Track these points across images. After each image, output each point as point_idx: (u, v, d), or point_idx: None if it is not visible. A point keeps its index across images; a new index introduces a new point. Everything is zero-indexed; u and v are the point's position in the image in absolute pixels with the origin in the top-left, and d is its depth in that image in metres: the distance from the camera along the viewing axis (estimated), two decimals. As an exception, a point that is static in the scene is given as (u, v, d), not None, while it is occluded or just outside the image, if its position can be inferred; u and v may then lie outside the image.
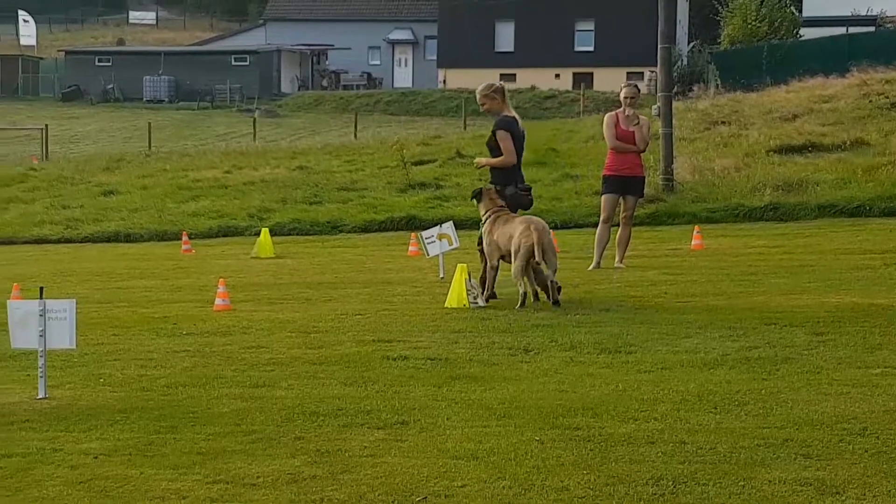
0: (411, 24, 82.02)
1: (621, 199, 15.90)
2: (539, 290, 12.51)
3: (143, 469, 6.59)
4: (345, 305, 13.05)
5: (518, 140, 12.88)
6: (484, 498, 5.93)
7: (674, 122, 25.30)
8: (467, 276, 12.53)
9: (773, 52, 46.06)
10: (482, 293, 12.65)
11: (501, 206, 12.74)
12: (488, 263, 12.74)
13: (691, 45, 67.81)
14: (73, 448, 7.07)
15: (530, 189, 13.17)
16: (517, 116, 13.07)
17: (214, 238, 25.13)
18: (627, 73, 63.21)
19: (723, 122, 31.69)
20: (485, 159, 13.31)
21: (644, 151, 16.04)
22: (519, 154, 12.92)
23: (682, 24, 70.92)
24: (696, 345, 9.89)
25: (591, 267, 15.74)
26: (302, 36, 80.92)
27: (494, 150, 12.97)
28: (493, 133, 12.96)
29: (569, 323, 11.18)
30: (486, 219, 12.73)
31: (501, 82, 13.40)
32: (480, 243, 12.96)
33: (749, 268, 15.42)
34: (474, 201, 13.16)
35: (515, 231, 12.32)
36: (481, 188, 13.07)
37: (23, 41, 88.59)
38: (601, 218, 15.94)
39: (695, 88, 44.98)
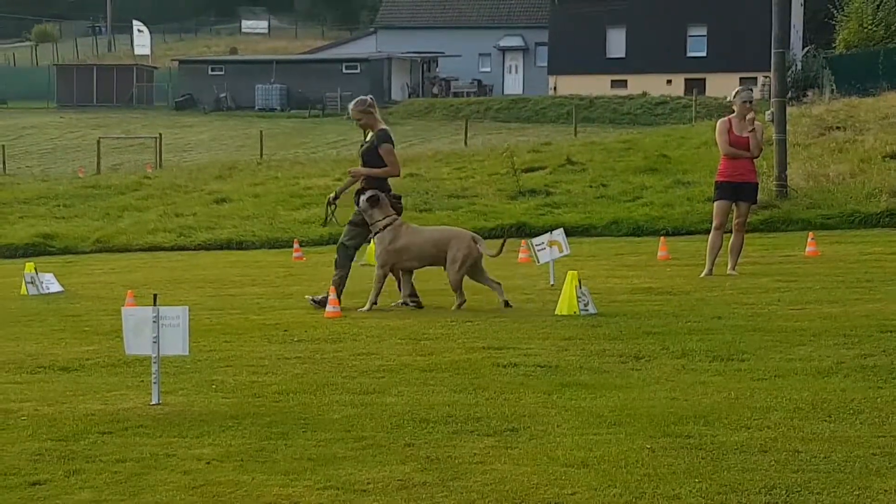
0: (522, 30, 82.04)
1: (734, 206, 15.73)
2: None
3: (255, 475, 6.63)
4: (455, 313, 13.06)
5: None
6: (594, 506, 5.88)
7: (788, 127, 24.98)
8: (578, 284, 12.47)
9: (889, 56, 45.26)
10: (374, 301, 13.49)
11: (395, 215, 13.38)
12: (379, 270, 13.50)
13: (806, 49, 66.79)
14: (186, 453, 7.14)
15: (401, 198, 14.09)
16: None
17: (325, 245, 25.26)
18: (740, 78, 62.46)
19: (838, 128, 31.20)
20: (364, 169, 13.90)
21: (757, 157, 15.86)
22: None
23: (796, 29, 70.09)
24: (810, 352, 9.74)
25: (703, 274, 15.59)
26: (412, 43, 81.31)
27: (374, 160, 13.75)
28: (377, 146, 13.70)
29: (680, 330, 11.07)
30: (385, 226, 13.41)
31: (371, 96, 14.20)
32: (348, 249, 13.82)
33: (865, 274, 15.16)
34: (364, 206, 13.53)
35: (451, 241, 13.29)
36: (377, 194, 13.37)
37: (137, 51, 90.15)
38: (714, 224, 15.78)
39: (809, 93, 44.37)
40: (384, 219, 13.42)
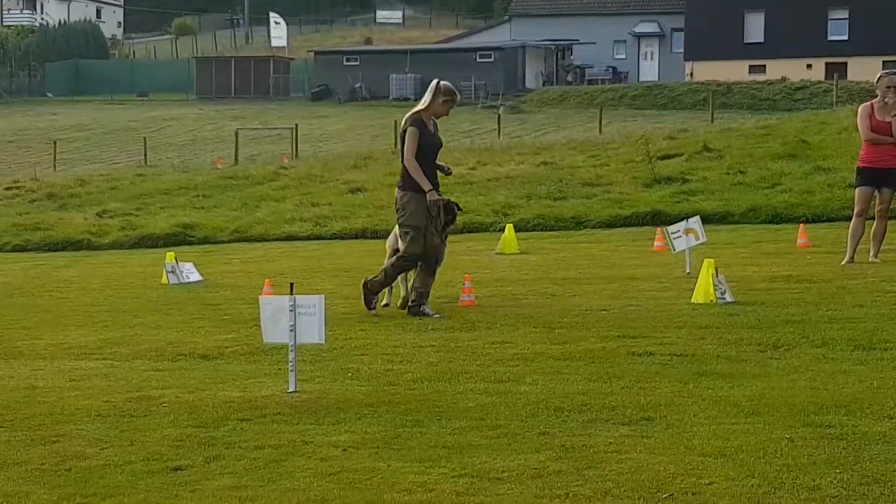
0: (657, 16, 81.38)
1: (876, 192, 15.41)
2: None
3: (390, 462, 6.67)
4: (589, 301, 12.99)
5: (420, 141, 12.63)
6: (732, 496, 5.80)
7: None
8: (714, 272, 12.32)
9: None
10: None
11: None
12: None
13: (953, 30, 65.33)
14: (323, 441, 7.21)
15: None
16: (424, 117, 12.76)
17: (459, 234, 25.30)
18: (884, 61, 61.23)
19: None
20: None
21: (902, 143, 15.49)
22: (424, 155, 12.67)
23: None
24: (956, 342, 9.52)
25: (843, 261, 15.30)
26: (546, 31, 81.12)
27: None
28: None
29: (821, 319, 10.88)
30: None
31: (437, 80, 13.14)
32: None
33: None
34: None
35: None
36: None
37: (274, 43, 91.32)
38: (855, 211, 15.48)
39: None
40: None
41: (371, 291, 12.82)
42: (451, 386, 8.70)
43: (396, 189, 12.87)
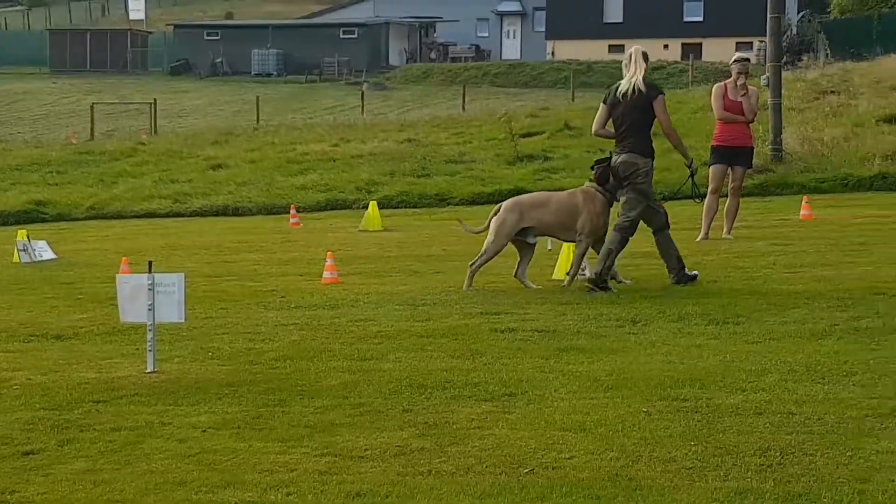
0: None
1: (729, 170, 15.76)
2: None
3: (252, 442, 6.64)
4: (453, 278, 13.04)
5: (612, 109, 12.04)
6: (592, 469, 5.89)
7: (783, 92, 24.91)
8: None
9: (883, 20, 45.20)
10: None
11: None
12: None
13: (801, 14, 66.63)
14: (182, 421, 7.15)
15: (605, 161, 12.14)
16: (633, 80, 11.90)
17: (322, 211, 25.27)
18: (737, 43, 62.31)
19: (832, 92, 31.16)
20: None
21: (753, 122, 15.87)
22: (617, 124, 12.07)
23: (792, -7, 69.83)
24: (804, 315, 9.77)
25: (698, 238, 15.60)
26: (410, 8, 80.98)
27: None
28: None
29: (677, 294, 11.09)
30: None
31: (637, 47, 12.20)
32: None
33: (858, 238, 15.17)
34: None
35: None
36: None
37: (132, 16, 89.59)
38: (709, 188, 15.80)
39: (804, 58, 44.27)
40: None
41: (602, 279, 11.62)
42: (314, 364, 8.68)
43: (635, 156, 11.86)
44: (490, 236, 12.06)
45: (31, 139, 44.87)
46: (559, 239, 12.42)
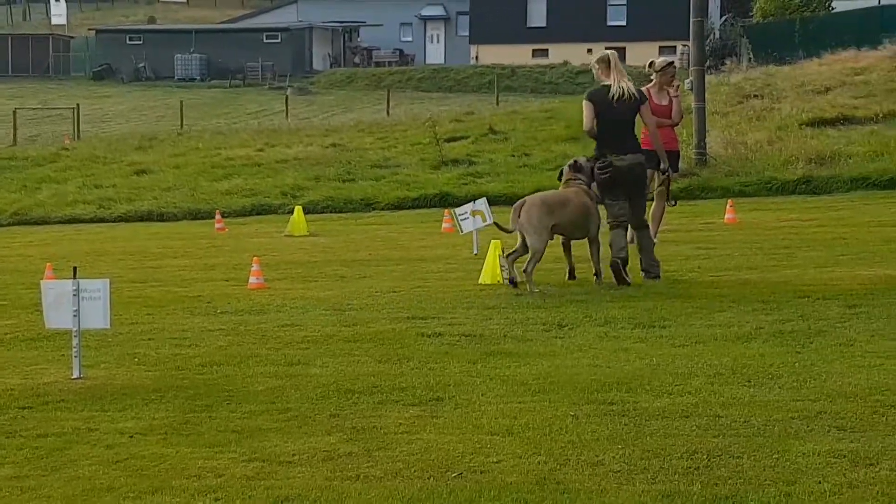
0: (443, 0, 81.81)
1: (655, 174, 15.84)
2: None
3: (179, 448, 6.61)
4: (379, 283, 13.05)
5: (605, 111, 12.16)
6: (519, 473, 5.92)
7: (706, 95, 25.17)
8: (501, 253, 12.51)
9: (805, 25, 45.78)
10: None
11: (576, 181, 12.39)
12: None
13: (724, 18, 67.38)
14: (109, 427, 7.10)
15: (607, 165, 12.20)
16: (624, 85, 12.21)
17: (248, 216, 25.17)
18: (660, 47, 62.94)
19: (755, 96, 31.49)
20: None
21: (678, 125, 15.96)
22: (608, 126, 12.18)
23: (714, -3, 70.51)
24: (729, 318, 9.87)
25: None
26: (333, 13, 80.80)
27: None
28: None
29: (603, 298, 11.16)
30: None
31: (611, 52, 12.63)
32: None
33: (782, 241, 15.35)
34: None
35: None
36: (563, 167, 12.66)
37: (54, 20, 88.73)
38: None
39: (727, 62, 44.71)
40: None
41: (623, 272, 12.05)
42: (241, 370, 8.66)
43: (640, 156, 12.33)
44: (532, 237, 11.95)
45: (-48, 144, 44.26)
46: (574, 238, 12.45)
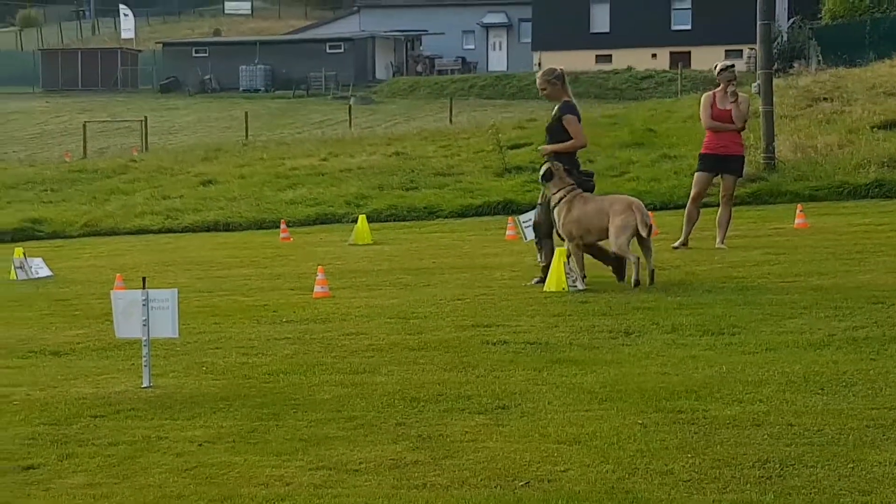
0: (505, 7, 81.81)
1: (721, 179, 15.74)
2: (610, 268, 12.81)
3: (247, 456, 6.63)
4: (443, 291, 13.04)
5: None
6: (587, 482, 5.88)
7: (774, 99, 24.91)
8: (566, 260, 12.46)
9: (876, 26, 45.16)
10: (580, 275, 12.61)
11: (573, 185, 12.81)
12: (569, 243, 12.75)
13: (791, 20, 66.71)
14: (178, 436, 7.14)
15: (592, 175, 13.28)
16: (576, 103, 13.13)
17: (312, 226, 25.23)
18: (726, 50, 62.47)
19: (825, 99, 31.10)
20: (550, 146, 13.18)
21: (742, 129, 15.81)
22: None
23: (781, 0, 69.92)
24: (801, 325, 9.74)
25: (675, 244, 15.59)
26: (396, 22, 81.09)
27: (558, 134, 13.02)
28: (559, 118, 12.97)
29: (670, 305, 11.06)
30: (561, 198, 12.72)
31: (562, 68, 13.31)
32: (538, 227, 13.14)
33: (854, 246, 15.15)
34: (542, 182, 13.02)
35: (613, 208, 12.46)
36: (550, 167, 12.92)
37: (122, 35, 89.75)
38: (691, 195, 15.80)
39: (795, 65, 44.28)
40: (558, 191, 12.76)
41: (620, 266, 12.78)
42: (307, 378, 8.67)
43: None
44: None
45: (26, 158, 44.78)
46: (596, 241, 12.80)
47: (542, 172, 12.96)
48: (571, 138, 12.95)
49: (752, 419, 6.85)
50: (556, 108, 13.13)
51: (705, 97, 15.83)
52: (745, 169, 16.86)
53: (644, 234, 12.33)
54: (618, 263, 12.74)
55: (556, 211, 12.75)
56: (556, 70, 13.15)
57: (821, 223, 18.37)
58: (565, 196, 12.69)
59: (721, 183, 15.75)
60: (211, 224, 26.11)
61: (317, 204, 27.02)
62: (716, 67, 15.94)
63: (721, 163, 15.59)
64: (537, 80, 13.21)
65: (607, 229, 12.49)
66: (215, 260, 18.81)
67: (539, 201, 13.35)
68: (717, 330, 9.73)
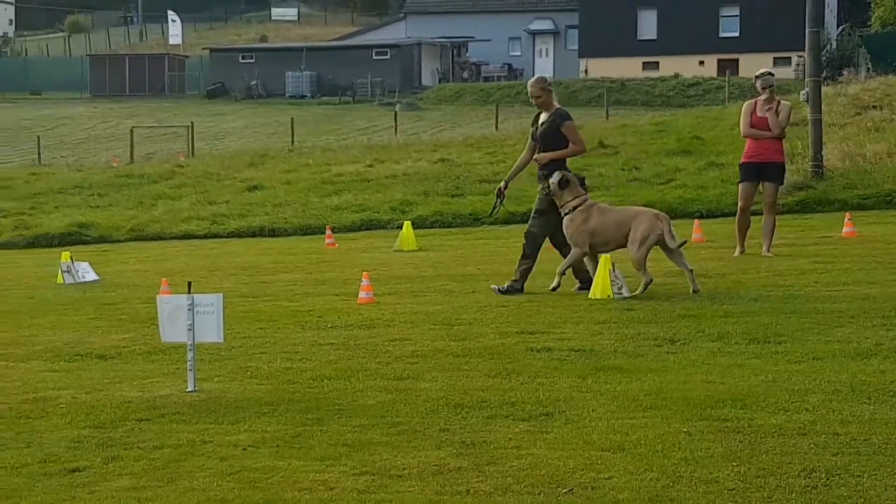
0: (552, 13, 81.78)
1: (761, 187, 15.69)
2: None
3: (291, 461, 6.64)
4: (488, 297, 13.03)
5: None
6: (631, 490, 5.86)
7: (823, 107, 24.75)
8: (611, 267, 12.43)
9: (927, 34, 44.82)
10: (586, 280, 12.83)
11: (586, 194, 12.97)
12: (577, 250, 12.88)
13: (840, 28, 66.37)
14: (222, 440, 7.16)
15: (584, 179, 13.32)
16: None
17: (357, 231, 25.28)
18: (774, 58, 62.20)
19: (874, 107, 30.89)
20: (549, 154, 13.24)
21: (781, 137, 15.70)
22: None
23: (830, 8, 69.54)
24: (848, 334, 9.68)
25: (735, 254, 15.56)
26: (442, 28, 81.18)
27: (554, 141, 13.21)
28: (557, 126, 13.18)
29: (716, 313, 11.02)
30: (575, 206, 12.85)
31: (549, 75, 13.76)
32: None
33: (903, 255, 15.04)
34: (555, 189, 13.00)
35: (635, 220, 12.59)
36: (566, 175, 12.96)
37: (170, 40, 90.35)
38: (739, 206, 15.79)
39: (844, 73, 44.01)
40: (574, 199, 12.88)
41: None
42: (351, 384, 8.69)
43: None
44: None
45: (74, 163, 45.15)
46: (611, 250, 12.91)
47: (556, 181, 12.97)
48: (566, 146, 13.16)
49: (798, 428, 6.81)
50: (547, 115, 13.35)
51: (746, 105, 15.81)
52: (788, 177, 16.77)
53: (672, 245, 12.43)
54: (587, 276, 12.96)
55: (567, 217, 12.87)
56: (546, 78, 13.53)
57: (869, 232, 18.24)
58: (580, 205, 12.80)
59: (763, 191, 15.71)
60: (256, 229, 26.21)
61: (362, 210, 27.06)
62: (755, 77, 15.91)
63: (760, 171, 15.55)
64: (530, 89, 13.40)
65: (625, 241, 12.61)
66: (260, 265, 18.88)
67: (535, 208, 13.54)
68: (763, 338, 9.68)
